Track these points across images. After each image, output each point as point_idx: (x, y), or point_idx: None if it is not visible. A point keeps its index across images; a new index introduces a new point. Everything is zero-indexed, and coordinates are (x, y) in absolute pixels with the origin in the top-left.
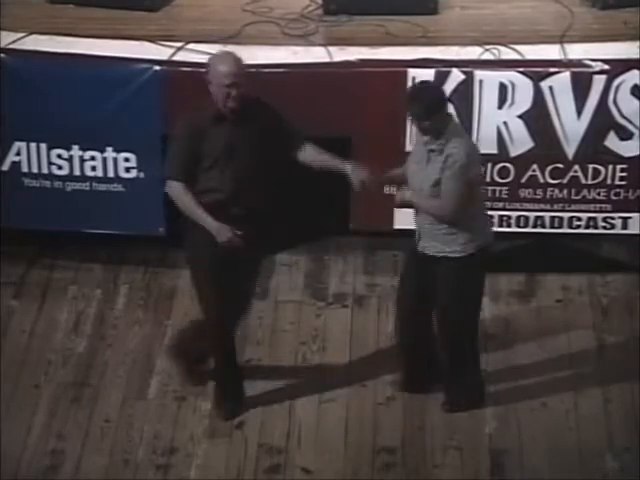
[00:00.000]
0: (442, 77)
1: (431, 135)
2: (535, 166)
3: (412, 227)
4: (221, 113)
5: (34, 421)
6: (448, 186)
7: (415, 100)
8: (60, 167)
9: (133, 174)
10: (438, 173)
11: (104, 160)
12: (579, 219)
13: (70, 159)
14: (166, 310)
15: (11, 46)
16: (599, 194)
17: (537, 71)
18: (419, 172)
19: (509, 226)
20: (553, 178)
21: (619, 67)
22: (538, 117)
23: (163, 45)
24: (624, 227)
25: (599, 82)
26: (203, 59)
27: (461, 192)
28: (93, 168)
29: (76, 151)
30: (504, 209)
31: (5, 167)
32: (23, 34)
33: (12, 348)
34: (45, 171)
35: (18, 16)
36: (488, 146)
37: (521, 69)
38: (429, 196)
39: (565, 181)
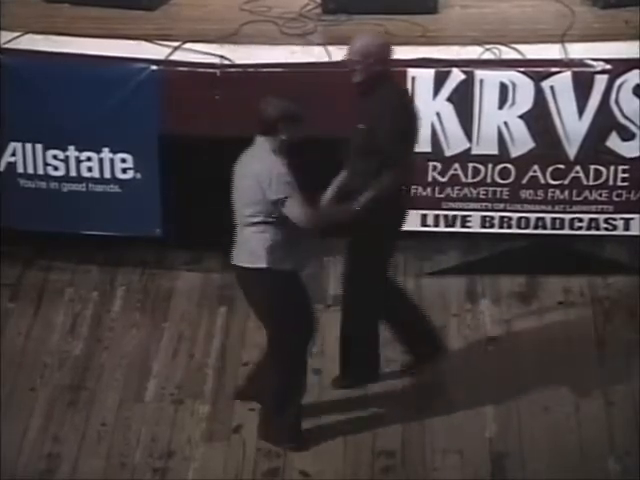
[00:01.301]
0: (442, 77)
1: None
2: (536, 167)
3: (411, 228)
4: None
5: (30, 424)
6: None
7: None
8: (56, 168)
9: (130, 175)
10: None
11: (100, 161)
12: (580, 220)
13: (66, 160)
14: (163, 312)
15: (7, 45)
16: (601, 195)
17: (538, 71)
18: None
19: (510, 227)
20: (554, 179)
21: (621, 67)
22: (539, 117)
23: (160, 44)
24: (626, 228)
25: (601, 82)
26: (200, 59)
27: None
28: (89, 169)
29: (72, 152)
30: (505, 210)
31: (1, 168)
32: (19, 33)
33: (8, 350)
34: (41, 172)
35: (14, 15)
36: (489, 147)
37: (522, 69)
38: None
39: (566, 182)
